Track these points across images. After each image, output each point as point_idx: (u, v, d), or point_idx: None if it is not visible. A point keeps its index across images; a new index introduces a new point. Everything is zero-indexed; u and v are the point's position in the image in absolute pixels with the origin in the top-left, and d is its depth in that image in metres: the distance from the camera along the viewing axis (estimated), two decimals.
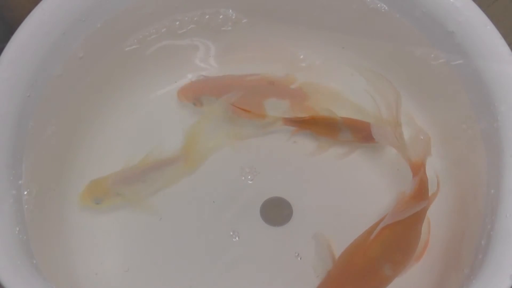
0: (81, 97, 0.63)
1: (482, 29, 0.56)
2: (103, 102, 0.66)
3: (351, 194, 0.66)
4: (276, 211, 0.65)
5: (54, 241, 0.59)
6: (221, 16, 0.66)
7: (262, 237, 0.63)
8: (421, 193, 0.59)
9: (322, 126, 0.65)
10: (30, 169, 0.55)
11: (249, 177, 0.66)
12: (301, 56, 0.70)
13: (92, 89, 0.64)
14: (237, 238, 0.63)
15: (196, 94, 0.66)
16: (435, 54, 0.61)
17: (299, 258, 0.62)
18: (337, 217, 0.64)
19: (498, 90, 0.54)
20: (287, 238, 0.63)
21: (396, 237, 0.57)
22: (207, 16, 0.66)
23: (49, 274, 0.51)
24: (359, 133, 0.64)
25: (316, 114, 0.65)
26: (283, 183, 0.66)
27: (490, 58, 0.55)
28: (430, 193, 0.60)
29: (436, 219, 0.61)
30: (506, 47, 0.55)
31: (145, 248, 0.63)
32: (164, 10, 0.65)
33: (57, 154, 0.62)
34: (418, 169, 0.59)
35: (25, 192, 0.54)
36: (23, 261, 0.49)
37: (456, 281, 0.55)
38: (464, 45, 0.57)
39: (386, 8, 0.62)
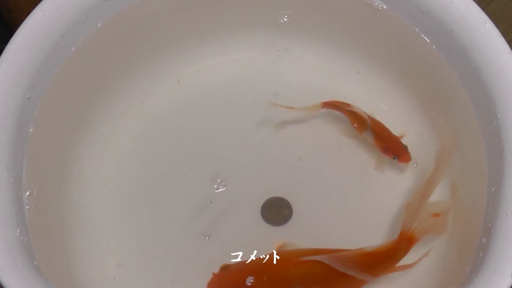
0: (81, 97, 0.63)
1: (482, 27, 0.56)
2: (103, 102, 0.66)
3: (352, 194, 0.66)
4: (276, 211, 0.65)
5: (55, 242, 0.59)
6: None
7: (262, 237, 0.63)
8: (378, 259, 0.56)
9: (354, 118, 0.65)
10: (30, 171, 0.55)
11: (249, 177, 0.66)
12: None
13: (92, 89, 0.64)
14: (236, 238, 0.63)
15: None
16: (434, 53, 0.61)
17: None
18: (337, 218, 0.64)
19: (497, 87, 0.54)
20: (287, 238, 0.63)
21: (326, 274, 0.56)
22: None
23: (50, 276, 0.51)
24: (380, 141, 0.64)
25: (352, 106, 0.65)
26: (283, 183, 0.66)
27: (489, 56, 0.55)
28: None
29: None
30: (506, 45, 0.55)
31: (148, 248, 0.63)
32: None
33: (57, 155, 0.62)
34: (403, 239, 0.57)
35: (26, 194, 0.54)
36: (24, 262, 0.49)
37: (457, 280, 0.55)
38: (463, 43, 0.57)
39: (385, 7, 0.62)
